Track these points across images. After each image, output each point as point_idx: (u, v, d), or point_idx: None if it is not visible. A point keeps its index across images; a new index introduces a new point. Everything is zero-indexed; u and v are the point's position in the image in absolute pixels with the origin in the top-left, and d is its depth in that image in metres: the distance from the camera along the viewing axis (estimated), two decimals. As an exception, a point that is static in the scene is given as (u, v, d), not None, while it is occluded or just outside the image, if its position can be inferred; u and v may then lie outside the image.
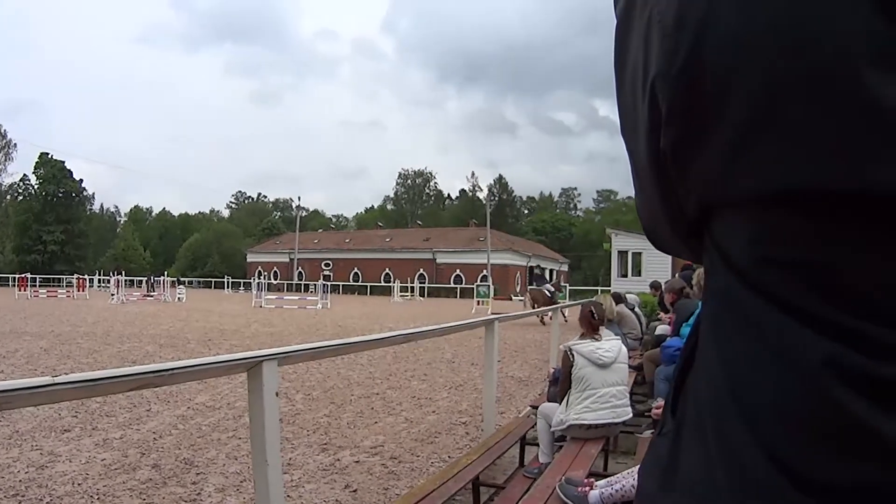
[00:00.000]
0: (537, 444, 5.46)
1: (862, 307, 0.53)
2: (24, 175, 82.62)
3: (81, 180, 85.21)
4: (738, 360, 0.59)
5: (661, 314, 11.38)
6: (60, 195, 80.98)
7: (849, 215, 0.53)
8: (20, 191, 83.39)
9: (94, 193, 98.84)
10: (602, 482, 3.79)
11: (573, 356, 5.17)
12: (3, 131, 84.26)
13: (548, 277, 37.94)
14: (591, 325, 5.39)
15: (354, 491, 5.47)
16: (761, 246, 0.57)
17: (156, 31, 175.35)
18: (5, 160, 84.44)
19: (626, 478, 3.68)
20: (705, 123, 0.57)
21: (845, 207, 0.52)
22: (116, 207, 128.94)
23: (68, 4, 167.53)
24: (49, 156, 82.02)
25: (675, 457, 0.67)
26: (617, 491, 3.61)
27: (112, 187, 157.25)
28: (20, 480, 5.41)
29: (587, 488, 3.73)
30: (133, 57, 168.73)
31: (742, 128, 0.55)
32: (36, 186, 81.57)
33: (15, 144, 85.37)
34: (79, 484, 5.40)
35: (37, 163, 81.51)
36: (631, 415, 5.35)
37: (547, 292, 25.86)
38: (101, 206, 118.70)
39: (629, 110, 0.68)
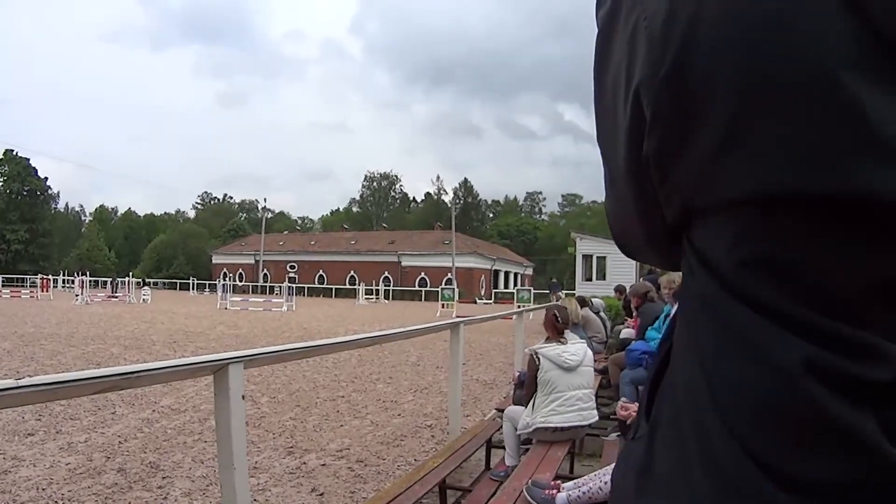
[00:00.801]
0: (503, 447, 5.47)
1: (837, 308, 0.55)
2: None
3: (46, 178, 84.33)
4: (716, 361, 0.60)
5: (627, 318, 11.48)
6: (25, 193, 79.84)
7: (826, 218, 0.54)
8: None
9: (59, 192, 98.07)
10: (569, 484, 3.81)
11: (539, 359, 5.19)
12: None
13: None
14: (556, 328, 5.41)
15: (321, 494, 5.46)
16: (740, 249, 0.58)
17: (123, 28, 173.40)
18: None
19: (594, 480, 3.70)
20: (689, 128, 0.58)
21: (823, 210, 0.53)
22: (81, 207, 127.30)
23: None
24: (14, 153, 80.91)
25: (650, 459, 0.67)
26: (584, 493, 3.63)
27: (77, 186, 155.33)
28: None
29: (554, 491, 3.75)
30: (100, 54, 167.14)
31: (724, 133, 0.55)
32: (0, 184, 79.96)
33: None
34: (43, 489, 5.34)
35: (0, 160, 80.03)
36: (597, 418, 5.38)
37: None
38: (66, 205, 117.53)
39: (609, 116, 0.69)
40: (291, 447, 6.87)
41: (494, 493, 4.17)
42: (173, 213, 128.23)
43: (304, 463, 6.31)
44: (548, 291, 36.15)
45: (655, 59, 0.59)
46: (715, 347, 0.61)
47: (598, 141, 0.73)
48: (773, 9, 0.53)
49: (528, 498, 3.78)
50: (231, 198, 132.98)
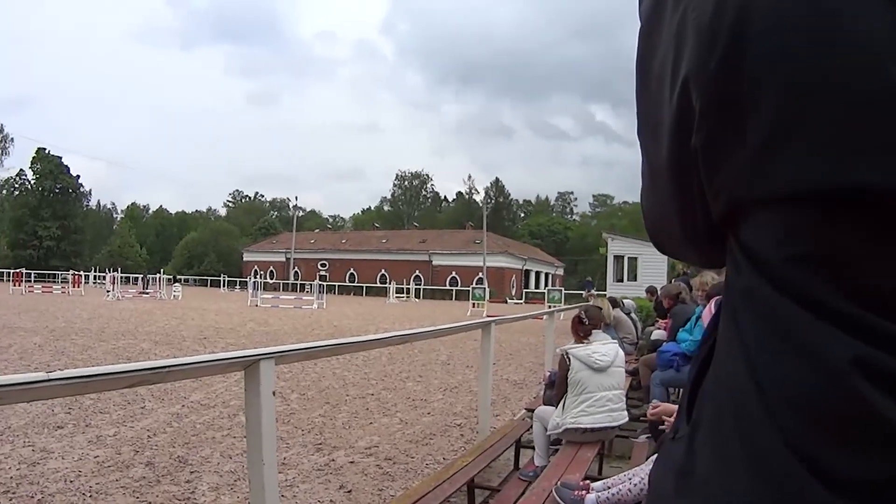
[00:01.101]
0: (532, 448, 5.46)
1: (889, 307, 0.53)
2: (21, 170, 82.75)
3: (78, 176, 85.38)
4: (762, 358, 0.59)
5: (658, 319, 11.39)
6: (57, 191, 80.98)
7: (880, 214, 0.53)
8: (16, 186, 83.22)
9: (90, 190, 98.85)
10: (598, 485, 3.79)
11: (570, 360, 5.16)
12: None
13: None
14: (580, 331, 5.38)
15: (349, 492, 5.46)
16: (790, 245, 0.57)
17: (152, 28, 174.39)
18: (1, 154, 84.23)
19: (623, 481, 3.67)
20: (740, 121, 0.57)
21: (877, 206, 0.53)
22: (113, 204, 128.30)
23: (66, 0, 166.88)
24: (46, 151, 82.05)
25: (691, 460, 0.66)
26: (613, 494, 3.60)
27: (109, 184, 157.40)
28: (11, 477, 5.38)
29: (583, 492, 3.73)
30: (130, 54, 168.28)
31: (776, 126, 0.55)
32: (32, 182, 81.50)
33: (12, 139, 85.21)
34: (71, 481, 5.37)
35: (34, 158, 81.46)
36: (627, 419, 5.34)
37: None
38: (98, 202, 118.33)
39: (652, 110, 0.68)
40: (320, 444, 6.89)
41: (523, 494, 4.15)
42: (204, 210, 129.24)
43: (333, 460, 6.33)
44: (580, 291, 36.00)
45: (704, 51, 0.58)
46: (761, 344, 0.60)
47: (640, 135, 0.73)
48: (823, 1, 0.53)
49: (557, 499, 3.75)
50: (262, 196, 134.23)
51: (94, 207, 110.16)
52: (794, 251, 0.57)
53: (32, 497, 5.00)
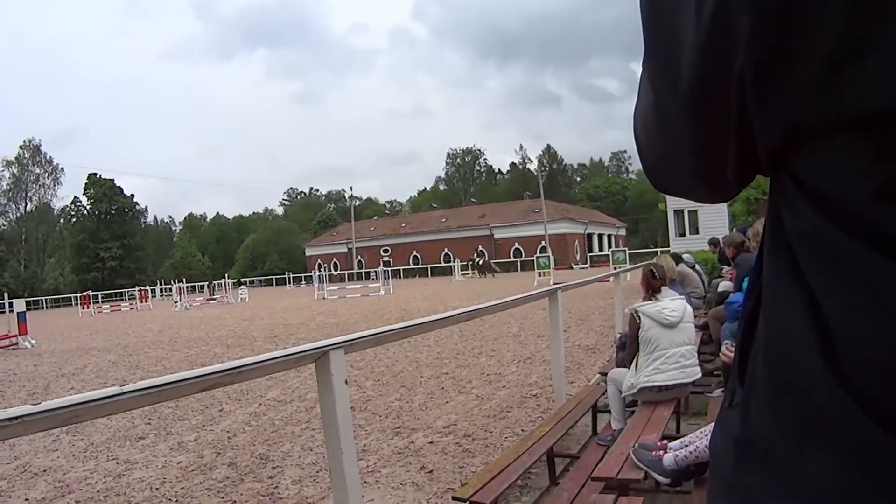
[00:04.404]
0: (609, 412, 5.44)
1: None
2: (76, 197, 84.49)
3: (133, 195, 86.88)
4: (831, 313, 0.53)
5: (724, 269, 11.20)
6: (113, 212, 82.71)
7: None
8: (73, 213, 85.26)
9: (146, 207, 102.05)
10: (675, 444, 3.76)
11: (639, 318, 5.15)
12: (48, 157, 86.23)
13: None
14: (652, 285, 5.34)
15: (430, 472, 5.52)
16: (870, 178, 0.50)
17: (188, 45, 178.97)
18: (54, 185, 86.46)
19: (700, 438, 3.64)
20: (802, 35, 0.50)
21: None
22: (171, 217, 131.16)
23: (99, 32, 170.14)
24: (97, 175, 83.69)
25: (748, 429, 0.62)
26: (691, 453, 3.58)
27: (164, 199, 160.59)
28: (98, 491, 5.58)
29: (661, 452, 3.71)
30: (170, 73, 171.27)
31: (849, 38, 0.48)
32: (88, 207, 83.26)
33: (62, 169, 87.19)
34: (156, 488, 5.56)
35: (86, 184, 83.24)
36: (700, 374, 5.29)
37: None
38: (155, 217, 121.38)
39: (665, 34, 0.60)
40: (398, 427, 6.97)
41: (602, 458, 4.14)
42: (262, 211, 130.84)
43: (412, 442, 6.40)
44: (644, 250, 35.46)
45: None
46: (828, 294, 0.54)
47: (647, 65, 0.65)
48: None
49: (636, 460, 3.75)
50: (317, 190, 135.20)
51: (151, 223, 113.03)
52: (874, 185, 0.50)
53: (120, 507, 5.17)
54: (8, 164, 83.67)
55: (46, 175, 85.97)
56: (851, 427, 0.51)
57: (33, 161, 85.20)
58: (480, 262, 38.23)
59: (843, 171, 0.52)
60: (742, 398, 0.64)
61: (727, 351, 4.26)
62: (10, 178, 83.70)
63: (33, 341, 20.23)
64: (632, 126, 0.74)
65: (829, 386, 0.53)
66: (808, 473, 0.54)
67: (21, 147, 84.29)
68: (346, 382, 2.91)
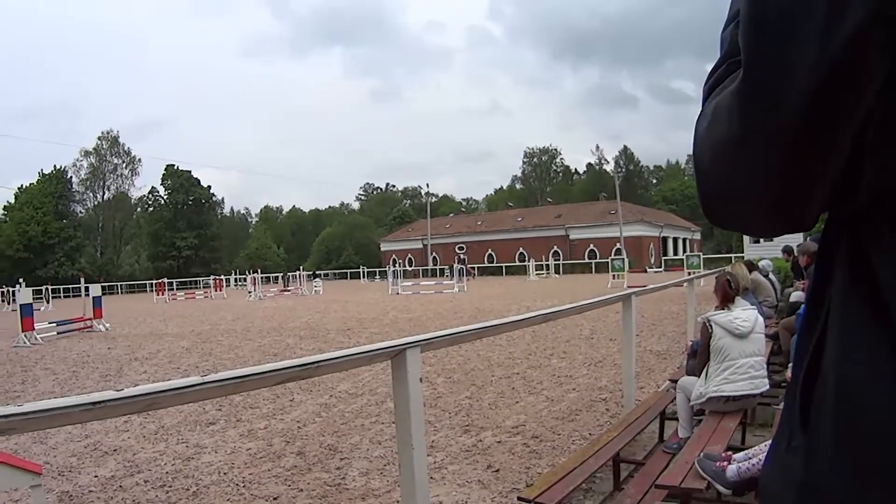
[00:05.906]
0: (676, 419, 5.45)
1: None
2: (153, 187, 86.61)
3: (209, 186, 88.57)
4: None
5: (796, 280, 10.97)
6: (190, 202, 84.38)
7: None
8: (150, 202, 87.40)
9: (223, 198, 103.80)
10: (739, 455, 3.78)
11: (712, 327, 5.15)
12: (126, 149, 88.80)
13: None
14: (727, 295, 5.34)
15: (497, 471, 5.57)
16: None
17: (265, 42, 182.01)
18: (132, 176, 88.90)
19: (764, 451, 3.65)
20: None
21: None
22: (247, 209, 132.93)
23: (179, 28, 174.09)
24: (175, 167, 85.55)
25: (812, 475, 0.58)
26: (754, 465, 3.59)
27: (241, 191, 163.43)
28: (167, 472, 5.78)
29: (725, 463, 3.73)
30: (247, 69, 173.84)
31: None
32: (165, 197, 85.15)
33: (140, 160, 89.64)
34: (224, 473, 5.73)
35: (164, 174, 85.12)
36: (768, 386, 5.25)
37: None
38: (232, 209, 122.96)
39: (775, 59, 0.51)
40: (467, 425, 7.04)
41: (667, 466, 4.17)
42: (338, 206, 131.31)
43: (480, 440, 6.46)
44: (717, 255, 34.62)
45: None
46: None
47: (743, 86, 0.55)
48: None
49: (700, 470, 3.77)
50: (394, 186, 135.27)
51: (228, 214, 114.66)
52: None
53: (188, 489, 5.36)
54: (87, 154, 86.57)
55: (124, 165, 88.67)
56: None
57: (111, 152, 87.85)
58: (461, 268, 38.55)
59: None
60: (805, 443, 0.60)
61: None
62: (87, 167, 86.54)
63: (108, 325, 21.07)
64: (692, 147, 0.66)
65: None
66: None
67: (99, 138, 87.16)
68: (420, 380, 2.99)
